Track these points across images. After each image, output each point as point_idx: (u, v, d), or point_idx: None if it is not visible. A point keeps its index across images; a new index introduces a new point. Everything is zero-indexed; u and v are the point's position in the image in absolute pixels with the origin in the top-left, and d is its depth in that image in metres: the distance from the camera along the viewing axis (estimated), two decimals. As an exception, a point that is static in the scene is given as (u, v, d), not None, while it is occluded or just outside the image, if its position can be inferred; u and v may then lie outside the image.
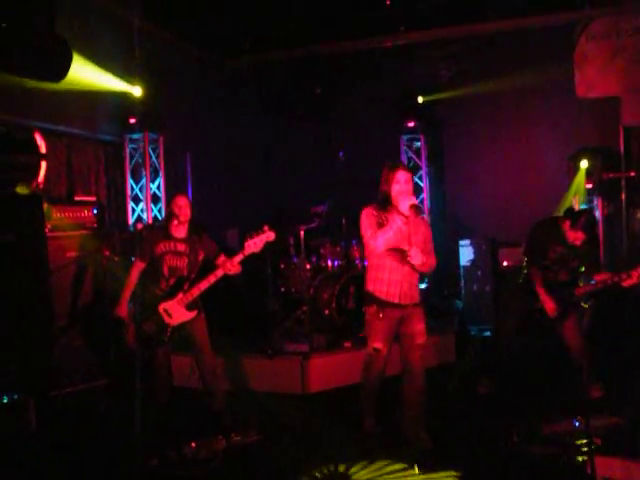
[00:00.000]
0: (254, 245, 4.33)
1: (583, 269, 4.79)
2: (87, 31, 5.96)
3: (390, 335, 4.00)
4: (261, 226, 4.43)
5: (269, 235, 4.35)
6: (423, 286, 8.00)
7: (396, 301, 3.93)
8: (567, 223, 4.64)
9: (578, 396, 4.70)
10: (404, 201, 3.77)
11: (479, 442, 4.10)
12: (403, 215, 3.78)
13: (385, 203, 3.89)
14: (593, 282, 4.79)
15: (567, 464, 3.43)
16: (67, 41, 4.70)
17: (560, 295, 4.70)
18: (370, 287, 4.01)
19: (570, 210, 4.85)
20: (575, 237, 4.60)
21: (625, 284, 4.50)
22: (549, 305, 4.68)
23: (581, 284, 4.82)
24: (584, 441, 3.56)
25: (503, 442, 3.98)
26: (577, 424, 3.94)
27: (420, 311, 4.04)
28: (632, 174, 7.28)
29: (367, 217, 3.93)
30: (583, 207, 6.87)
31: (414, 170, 7.79)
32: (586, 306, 4.98)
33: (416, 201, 3.85)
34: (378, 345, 3.97)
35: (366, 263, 4.14)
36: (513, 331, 5.01)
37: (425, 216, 7.71)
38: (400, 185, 3.85)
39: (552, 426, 4.00)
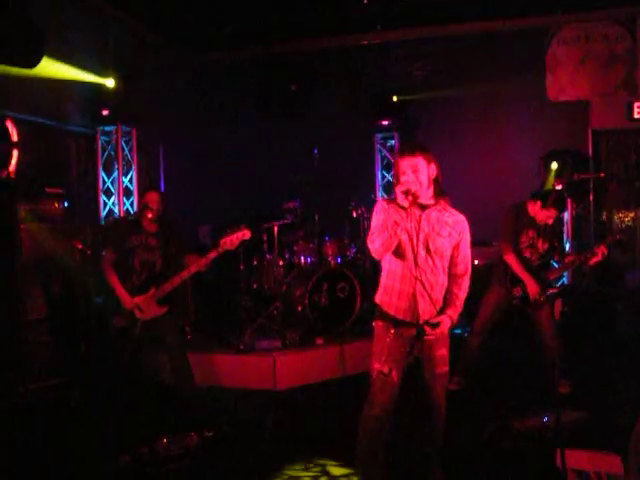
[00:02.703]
0: (229, 242, 4.28)
1: (547, 255, 4.93)
2: (60, 19, 5.86)
3: (401, 358, 3.16)
4: (236, 223, 4.38)
5: (245, 233, 4.31)
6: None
7: (407, 318, 3.13)
8: (538, 204, 4.79)
9: (547, 392, 4.80)
10: (399, 192, 3.05)
11: (451, 437, 4.14)
12: (403, 209, 3.06)
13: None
14: (563, 265, 4.98)
15: (538, 457, 3.48)
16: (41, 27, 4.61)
17: (536, 280, 4.80)
18: (378, 298, 3.26)
19: (537, 193, 4.96)
20: (547, 215, 4.76)
21: (591, 262, 4.73)
22: (532, 286, 4.77)
23: (552, 268, 4.96)
24: (554, 435, 3.63)
25: (475, 437, 4.03)
26: (546, 419, 4.01)
27: (439, 335, 3.16)
28: (602, 175, 7.44)
29: (377, 212, 3.20)
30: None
31: (388, 169, 7.84)
32: (555, 291, 5.08)
33: (409, 185, 3.04)
34: (384, 368, 3.11)
35: (382, 267, 3.32)
36: (487, 327, 5.06)
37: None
38: (407, 176, 3.08)
39: (523, 421, 4.06)
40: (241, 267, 6.12)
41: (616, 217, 7.38)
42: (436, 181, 3.17)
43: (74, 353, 5.02)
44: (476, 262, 7.31)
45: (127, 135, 6.82)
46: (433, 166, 3.16)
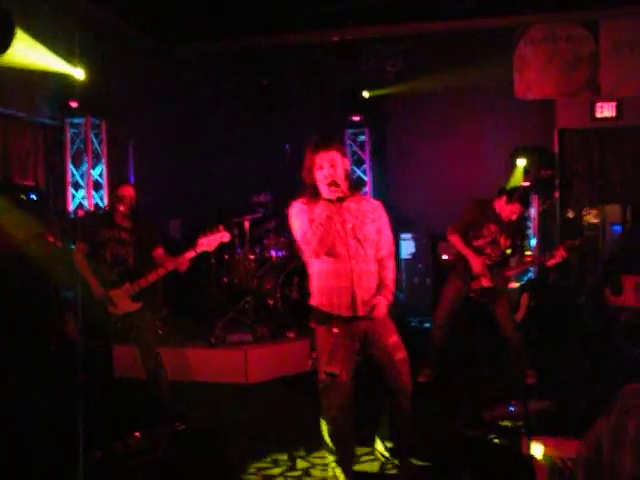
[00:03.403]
0: (207, 244, 4.26)
1: (510, 251, 5.03)
2: (27, 8, 5.74)
3: (349, 356, 3.15)
4: (207, 218, 4.38)
5: (224, 235, 4.28)
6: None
7: (350, 314, 3.13)
8: (503, 199, 4.88)
9: (514, 383, 4.92)
10: (323, 186, 3.06)
11: (421, 429, 4.22)
12: (330, 203, 3.05)
13: (313, 195, 3.13)
14: (521, 263, 5.12)
15: (506, 445, 3.58)
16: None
17: (492, 275, 4.89)
18: (315, 300, 3.23)
19: (503, 189, 5.05)
20: (512, 210, 4.84)
21: (549, 263, 4.84)
22: (475, 262, 4.84)
23: (511, 265, 5.07)
24: (521, 423, 3.73)
25: (445, 428, 4.11)
26: (513, 408, 4.11)
27: (386, 320, 3.24)
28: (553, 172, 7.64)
29: (297, 215, 3.16)
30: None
31: (358, 164, 7.90)
32: (517, 285, 5.19)
33: (334, 177, 3.05)
34: (334, 369, 3.08)
35: (309, 271, 3.29)
36: (448, 319, 5.13)
37: (367, 193, 7.72)
38: (325, 170, 3.08)
39: (491, 411, 4.15)
40: (212, 261, 6.11)
41: (581, 214, 7.56)
42: (349, 174, 3.21)
43: (45, 348, 4.95)
44: (445, 257, 7.44)
45: (97, 128, 6.73)
46: (347, 160, 3.22)
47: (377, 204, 3.33)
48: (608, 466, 1.86)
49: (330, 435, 3.25)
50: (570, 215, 7.65)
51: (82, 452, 3.72)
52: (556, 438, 3.11)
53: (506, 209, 4.87)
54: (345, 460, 3.31)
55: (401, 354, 3.24)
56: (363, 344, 3.23)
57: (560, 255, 4.74)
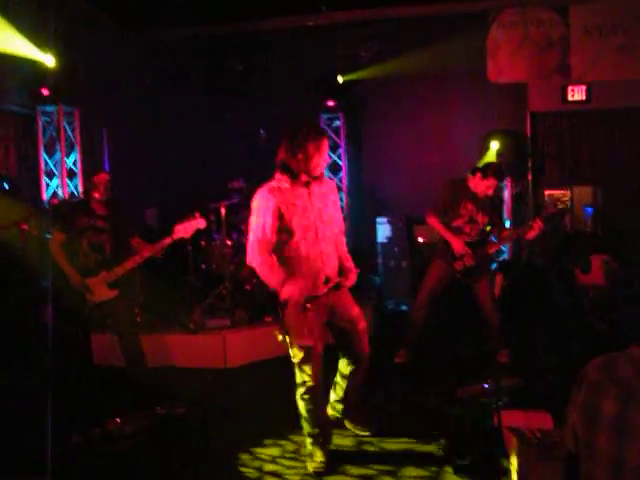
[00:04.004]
0: (184, 230, 4.33)
1: (489, 228, 5.12)
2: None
3: (321, 327, 3.35)
4: (183, 205, 4.43)
5: (200, 222, 4.36)
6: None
7: (323, 291, 3.31)
8: (478, 176, 4.95)
9: (489, 361, 5.05)
10: (310, 171, 3.24)
11: (399, 407, 4.33)
12: (303, 188, 3.25)
13: (293, 178, 3.26)
14: (501, 238, 5.19)
15: (478, 419, 3.69)
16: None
17: (474, 254, 4.98)
18: (290, 284, 3.27)
19: (476, 167, 5.12)
20: (488, 186, 4.91)
21: (528, 236, 4.91)
22: (456, 242, 4.93)
23: (491, 241, 5.16)
24: (493, 399, 3.84)
25: (421, 405, 4.22)
26: (487, 385, 4.22)
27: (348, 292, 3.49)
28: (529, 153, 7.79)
29: (263, 211, 3.25)
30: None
31: (333, 149, 7.94)
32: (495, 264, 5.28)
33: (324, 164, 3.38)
34: (309, 341, 3.25)
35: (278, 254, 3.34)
36: (430, 301, 5.22)
37: (342, 179, 7.90)
38: (322, 157, 3.28)
39: (465, 389, 4.26)
40: (189, 248, 6.13)
41: (553, 196, 7.68)
42: None
43: (23, 335, 4.95)
44: (420, 240, 7.54)
45: (69, 115, 6.66)
46: None
47: (332, 184, 3.52)
48: (584, 444, 1.89)
49: (308, 411, 3.42)
50: (546, 198, 7.76)
51: (63, 437, 3.77)
52: (525, 411, 3.23)
53: (481, 185, 4.93)
54: (322, 436, 3.46)
55: (363, 324, 3.52)
56: (330, 316, 3.41)
57: (538, 226, 4.82)
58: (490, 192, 4.95)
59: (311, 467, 3.45)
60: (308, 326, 3.26)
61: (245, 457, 3.67)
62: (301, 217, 3.23)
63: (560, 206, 5.22)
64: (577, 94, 7.89)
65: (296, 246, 3.26)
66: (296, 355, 3.31)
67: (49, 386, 4.49)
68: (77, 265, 4.39)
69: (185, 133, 8.19)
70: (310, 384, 3.33)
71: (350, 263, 3.51)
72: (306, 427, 3.49)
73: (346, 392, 3.77)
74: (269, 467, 3.55)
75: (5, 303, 4.92)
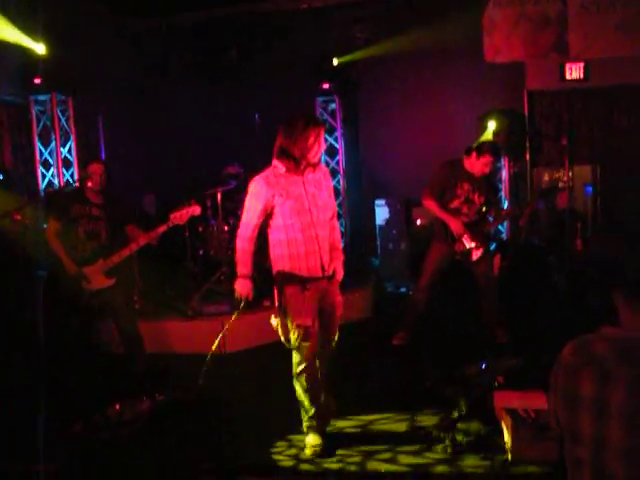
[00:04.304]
0: (179, 217, 4.37)
1: (485, 208, 5.11)
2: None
3: (316, 311, 3.49)
4: (180, 191, 4.45)
5: (195, 209, 4.41)
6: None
7: (320, 274, 3.46)
8: (473, 155, 4.93)
9: (486, 342, 5.06)
10: (309, 159, 3.38)
11: (397, 387, 4.36)
12: (297, 176, 3.41)
13: (295, 165, 3.39)
14: (499, 217, 5.23)
15: (474, 400, 3.71)
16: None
17: (473, 234, 4.97)
18: (289, 267, 3.43)
19: (471, 147, 5.08)
20: (484, 163, 4.89)
21: (527, 213, 5.06)
22: (454, 224, 4.92)
23: (489, 220, 5.17)
24: (489, 380, 3.87)
25: (418, 386, 4.25)
26: (483, 366, 4.24)
27: (337, 282, 3.65)
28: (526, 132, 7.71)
29: (253, 197, 3.44)
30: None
31: (329, 132, 7.91)
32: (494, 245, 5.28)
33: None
34: (308, 321, 3.41)
35: (271, 238, 3.52)
36: (431, 283, 5.21)
37: (339, 162, 7.90)
38: (321, 145, 3.41)
39: (462, 369, 4.28)
40: (186, 234, 6.14)
41: (546, 175, 7.65)
42: None
43: (19, 324, 4.97)
44: (419, 222, 7.53)
45: (63, 104, 6.62)
46: None
47: (325, 169, 3.66)
48: (567, 428, 1.91)
49: (305, 390, 3.52)
50: (546, 178, 7.71)
51: (63, 424, 3.81)
52: (519, 391, 3.24)
53: (477, 164, 4.90)
54: (319, 417, 3.58)
55: (341, 311, 3.68)
56: (320, 300, 3.53)
57: (533, 204, 4.84)
58: (487, 170, 4.93)
59: (308, 451, 3.51)
60: (306, 306, 3.41)
61: (244, 442, 3.70)
62: (296, 202, 3.38)
63: (555, 184, 5.19)
64: (575, 72, 7.81)
65: (292, 230, 3.40)
66: (294, 334, 3.45)
67: (49, 374, 4.55)
68: (74, 254, 4.40)
69: (181, 119, 8.16)
70: (306, 363, 3.46)
71: (339, 250, 3.64)
72: (303, 409, 3.57)
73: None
74: (265, 452, 3.58)
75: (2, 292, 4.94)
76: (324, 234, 3.47)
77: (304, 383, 3.50)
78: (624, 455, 1.76)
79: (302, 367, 3.48)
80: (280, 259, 3.47)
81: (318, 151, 3.38)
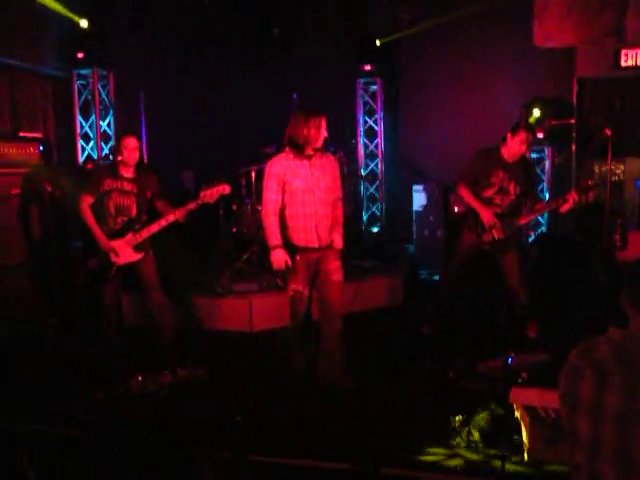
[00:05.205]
0: (209, 196, 4.39)
1: (520, 200, 4.92)
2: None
3: (309, 276, 4.06)
4: (217, 169, 4.49)
5: (224, 188, 4.43)
6: (376, 229, 8.14)
7: (314, 246, 3.99)
8: (508, 137, 4.75)
9: (515, 337, 4.94)
10: (312, 144, 3.90)
11: (420, 378, 4.30)
12: (307, 160, 3.95)
13: (298, 150, 3.94)
14: (533, 211, 5.01)
15: (494, 395, 3.62)
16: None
17: (504, 225, 4.82)
18: (288, 236, 4.01)
19: (506, 135, 4.87)
20: (520, 141, 4.69)
21: (563, 209, 4.74)
22: (485, 213, 4.77)
23: (523, 213, 4.98)
24: (513, 375, 3.76)
25: (441, 378, 4.18)
26: (510, 360, 4.13)
27: (335, 252, 4.09)
28: (572, 121, 7.37)
29: (270, 177, 4.01)
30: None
31: (370, 114, 7.81)
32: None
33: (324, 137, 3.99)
34: (298, 286, 4.01)
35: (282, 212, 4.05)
36: (460, 273, 5.11)
37: (378, 145, 7.91)
38: (322, 131, 3.91)
39: (486, 363, 4.19)
40: (220, 212, 6.17)
41: (596, 168, 7.37)
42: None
43: (51, 296, 5.10)
44: (456, 209, 7.38)
45: (104, 79, 6.71)
46: None
47: (332, 158, 4.18)
48: (568, 431, 1.89)
49: (289, 339, 4.29)
50: (596, 170, 7.42)
51: (86, 393, 3.91)
52: (541, 389, 3.14)
53: (513, 144, 4.72)
54: (298, 362, 4.25)
55: (337, 276, 4.09)
56: (316, 269, 4.08)
57: (572, 198, 4.63)
58: (524, 148, 4.73)
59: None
60: (298, 273, 4.00)
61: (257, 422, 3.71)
62: (301, 182, 3.93)
63: (596, 181, 4.98)
64: (631, 59, 7.46)
65: (296, 205, 3.96)
66: (290, 296, 4.07)
67: (85, 345, 4.67)
68: (104, 227, 4.47)
69: (222, 97, 8.17)
70: (296, 322, 4.13)
71: (340, 224, 4.13)
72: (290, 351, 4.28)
73: (323, 357, 4.21)
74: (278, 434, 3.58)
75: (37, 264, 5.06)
76: (324, 212, 4.00)
77: (290, 335, 4.22)
78: (615, 459, 1.74)
79: (290, 321, 4.18)
80: (284, 230, 4.01)
81: (319, 138, 3.88)
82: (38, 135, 5.56)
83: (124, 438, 3.50)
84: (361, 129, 8.05)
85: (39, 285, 5.11)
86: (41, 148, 5.23)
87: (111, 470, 3.19)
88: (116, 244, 4.45)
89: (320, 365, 4.20)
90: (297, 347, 4.28)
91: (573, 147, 7.59)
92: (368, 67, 7.59)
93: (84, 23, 6.16)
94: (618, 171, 7.23)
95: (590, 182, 4.83)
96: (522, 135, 4.69)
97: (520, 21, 7.45)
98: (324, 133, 3.91)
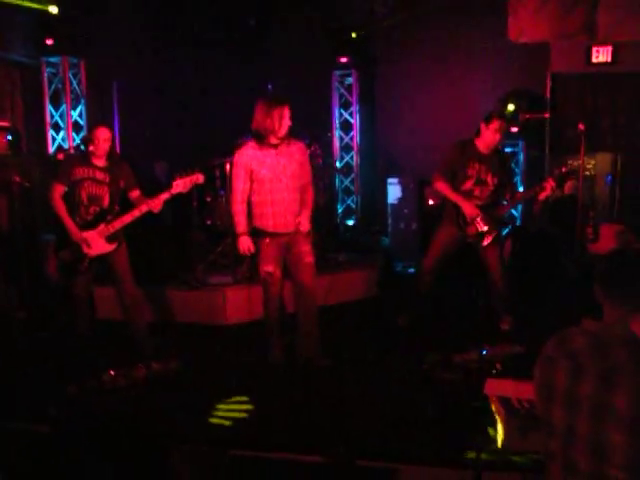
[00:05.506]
0: (182, 185, 4.36)
1: (498, 190, 4.94)
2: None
3: (279, 258, 4.22)
4: (191, 160, 4.46)
5: (198, 177, 4.41)
6: (351, 222, 8.14)
7: (283, 231, 4.16)
8: (482, 127, 4.78)
9: (490, 328, 4.98)
10: (277, 133, 4.03)
11: (395, 370, 4.31)
12: (273, 148, 4.09)
13: (262, 140, 4.10)
14: (512, 200, 5.05)
15: (469, 387, 3.64)
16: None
17: (485, 217, 4.83)
18: (257, 223, 4.20)
19: (478, 128, 4.91)
20: (495, 129, 4.72)
21: (541, 197, 4.81)
22: (467, 206, 4.78)
23: (503, 203, 5.00)
24: (487, 366, 3.79)
25: (415, 369, 4.19)
26: (484, 352, 4.16)
27: (304, 235, 4.24)
28: (546, 115, 7.44)
29: (238, 166, 4.18)
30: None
31: (345, 106, 7.78)
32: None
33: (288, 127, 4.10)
34: (269, 268, 4.19)
35: (250, 200, 4.23)
36: (437, 265, 5.10)
37: (353, 137, 7.93)
38: (286, 120, 4.03)
39: (462, 355, 4.21)
40: (194, 204, 6.09)
41: (568, 162, 7.45)
42: None
43: (19, 288, 4.98)
44: (431, 202, 7.41)
45: (75, 67, 6.56)
46: None
47: (300, 145, 4.27)
48: (543, 420, 1.91)
49: (267, 323, 4.39)
50: (570, 166, 7.50)
51: (58, 387, 3.83)
52: (516, 380, 3.17)
53: (487, 133, 4.74)
54: (275, 334, 4.37)
55: (308, 259, 4.25)
56: (286, 252, 4.24)
57: (550, 186, 4.68)
58: (498, 137, 4.75)
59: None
60: (269, 255, 4.19)
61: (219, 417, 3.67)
62: (268, 170, 4.08)
63: (571, 170, 5.03)
64: (602, 55, 7.54)
65: (264, 192, 4.12)
66: (262, 279, 4.26)
67: (55, 339, 4.57)
68: (75, 217, 4.38)
69: (196, 87, 8.07)
70: (270, 304, 4.30)
71: (307, 208, 4.24)
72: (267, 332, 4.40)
73: (301, 336, 4.37)
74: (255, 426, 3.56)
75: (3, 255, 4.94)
76: (292, 197, 4.15)
77: (266, 318, 4.34)
78: (588, 448, 1.76)
79: (264, 305, 4.33)
80: (253, 217, 4.20)
81: (281, 126, 4.00)
82: (5, 124, 5.40)
83: (97, 432, 3.45)
84: (337, 121, 8.03)
85: (7, 278, 4.98)
86: (9, 137, 5.10)
87: (84, 463, 3.14)
88: (88, 235, 4.36)
89: (298, 345, 4.37)
90: (275, 334, 4.36)
91: (547, 141, 7.67)
92: (344, 59, 7.56)
93: (53, 9, 5.99)
94: (589, 166, 7.32)
95: (564, 169, 4.86)
96: (496, 123, 4.72)
97: (495, 16, 7.48)
98: (287, 122, 4.03)
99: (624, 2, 7.37)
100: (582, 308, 5.00)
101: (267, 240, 4.15)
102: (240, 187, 4.16)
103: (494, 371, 3.75)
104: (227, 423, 3.53)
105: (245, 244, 4.19)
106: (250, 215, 4.22)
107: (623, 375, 1.72)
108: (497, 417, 3.11)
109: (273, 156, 4.09)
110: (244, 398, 3.85)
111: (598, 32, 7.51)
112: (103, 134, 4.36)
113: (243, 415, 3.63)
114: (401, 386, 4.01)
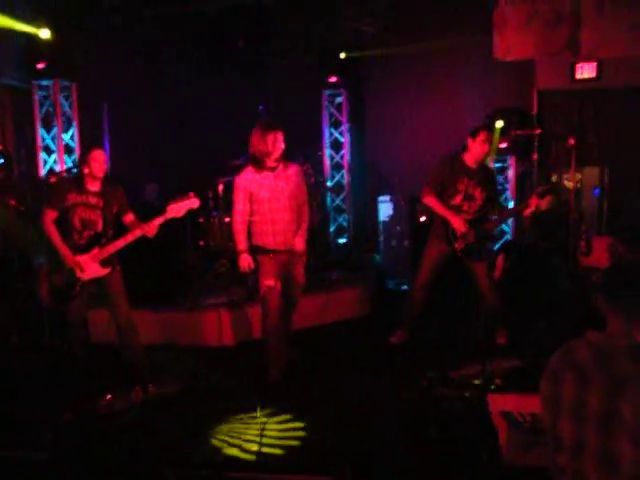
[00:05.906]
0: (176, 210, 4.32)
1: (486, 205, 5.00)
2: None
3: (279, 274, 4.48)
4: (182, 183, 4.48)
5: (193, 202, 4.37)
6: (343, 241, 8.15)
7: (283, 248, 4.46)
8: (469, 141, 4.85)
9: (485, 342, 4.97)
10: (273, 157, 4.35)
11: (390, 388, 4.29)
12: (270, 171, 4.39)
13: (259, 164, 4.41)
14: (499, 216, 5.17)
15: (469, 402, 3.64)
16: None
17: (475, 231, 4.88)
18: (259, 241, 4.49)
19: (465, 143, 4.96)
20: (482, 141, 4.81)
21: (526, 213, 4.95)
22: (456, 220, 4.82)
23: (490, 218, 5.07)
24: (487, 381, 3.79)
25: (413, 385, 4.18)
26: (481, 367, 4.16)
27: (300, 257, 4.59)
28: (537, 132, 7.54)
29: (239, 189, 4.49)
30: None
31: (335, 126, 7.83)
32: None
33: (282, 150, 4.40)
34: (270, 282, 4.42)
35: (251, 220, 4.52)
36: (429, 281, 5.12)
37: (344, 156, 8.01)
38: (279, 145, 4.35)
39: (459, 370, 4.21)
40: (186, 225, 6.07)
41: (553, 177, 7.54)
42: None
43: (12, 312, 4.93)
44: (422, 219, 7.44)
45: (66, 90, 6.56)
46: None
47: (296, 167, 4.62)
48: (550, 433, 1.91)
49: (268, 336, 4.51)
50: (553, 179, 7.60)
51: (54, 414, 3.78)
52: (517, 394, 3.17)
53: (475, 146, 4.82)
54: (278, 357, 4.50)
55: (302, 280, 4.69)
56: (284, 269, 4.52)
57: (534, 202, 4.79)
58: (486, 148, 4.85)
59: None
60: (270, 270, 4.44)
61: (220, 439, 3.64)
62: (267, 192, 4.39)
63: (554, 185, 5.15)
64: (586, 71, 7.67)
65: (264, 212, 4.43)
66: (262, 293, 4.46)
67: (51, 364, 4.52)
68: (69, 242, 4.34)
69: (187, 109, 8.09)
70: (269, 318, 4.45)
71: (303, 229, 4.56)
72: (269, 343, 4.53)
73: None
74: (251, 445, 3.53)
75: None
76: (290, 217, 4.46)
77: (265, 332, 4.51)
78: (598, 459, 1.75)
79: (264, 319, 4.50)
80: (254, 235, 4.49)
81: (275, 149, 4.30)
82: (-3, 148, 5.40)
83: (94, 458, 3.41)
84: (327, 140, 8.07)
85: (1, 301, 4.93)
86: (1, 160, 5.07)
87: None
88: (82, 259, 4.33)
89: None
90: (273, 350, 4.50)
91: (535, 157, 7.75)
92: (333, 79, 7.62)
93: (44, 33, 6.00)
94: (576, 180, 7.40)
95: (545, 186, 4.99)
96: (483, 135, 4.82)
97: (481, 35, 7.59)
98: (281, 146, 4.34)
99: (607, 19, 7.51)
100: (577, 320, 5.06)
101: (269, 255, 4.42)
102: (240, 209, 4.45)
103: (493, 386, 3.75)
104: (227, 446, 3.50)
105: (246, 261, 4.45)
106: (250, 233, 4.48)
107: (630, 385, 1.72)
108: (500, 432, 3.11)
109: (271, 178, 4.39)
110: (244, 419, 3.82)
111: (582, 49, 7.64)
112: (100, 156, 4.33)
113: (244, 437, 3.60)
114: (401, 404, 3.99)
